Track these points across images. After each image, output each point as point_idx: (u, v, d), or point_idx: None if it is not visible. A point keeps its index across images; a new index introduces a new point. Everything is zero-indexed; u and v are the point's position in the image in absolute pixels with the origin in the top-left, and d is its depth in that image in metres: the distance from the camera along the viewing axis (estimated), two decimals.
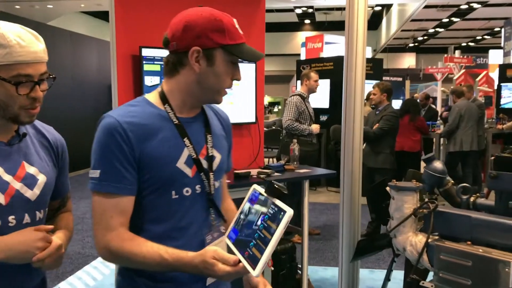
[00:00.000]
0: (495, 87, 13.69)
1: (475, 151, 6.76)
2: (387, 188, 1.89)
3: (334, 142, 7.11)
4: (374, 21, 21.66)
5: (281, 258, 3.38)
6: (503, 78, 9.92)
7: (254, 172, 3.32)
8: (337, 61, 7.78)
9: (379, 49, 21.66)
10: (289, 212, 1.11)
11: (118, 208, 1.27)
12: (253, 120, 3.56)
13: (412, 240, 1.78)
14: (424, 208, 1.75)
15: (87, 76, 10.90)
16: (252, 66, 3.45)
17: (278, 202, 1.16)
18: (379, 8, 19.26)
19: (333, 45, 13.77)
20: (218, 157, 1.45)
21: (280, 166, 3.50)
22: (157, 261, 1.23)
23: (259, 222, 1.17)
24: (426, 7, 14.67)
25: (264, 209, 1.19)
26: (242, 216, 1.27)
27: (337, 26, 19.88)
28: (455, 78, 14.62)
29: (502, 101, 9.80)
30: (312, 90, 5.26)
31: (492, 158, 1.71)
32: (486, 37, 24.55)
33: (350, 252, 2.38)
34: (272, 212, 1.15)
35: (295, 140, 3.90)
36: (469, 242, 1.60)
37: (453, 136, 6.70)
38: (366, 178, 5.58)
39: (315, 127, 5.06)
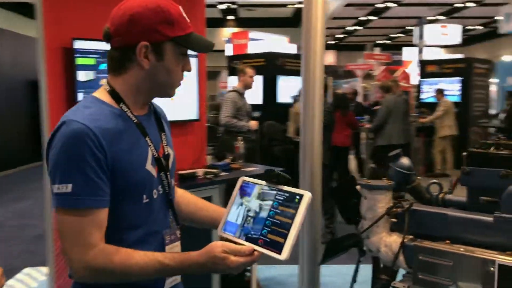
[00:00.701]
0: (411, 82, 14.41)
1: (403, 144, 7.00)
2: (358, 187, 1.82)
3: (268, 138, 7.08)
4: (296, 18, 22.04)
5: None
6: (423, 74, 10.42)
7: (199, 172, 3.15)
8: (269, 57, 7.76)
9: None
10: (308, 194, 1.16)
11: (96, 223, 1.16)
12: (196, 117, 3.39)
13: (387, 240, 1.72)
14: (398, 207, 1.69)
15: None
16: (193, 61, 3.27)
17: (287, 188, 1.20)
18: (301, 5, 19.59)
19: (258, 42, 13.82)
20: (171, 155, 1.42)
21: (227, 165, 3.36)
22: (157, 269, 1.17)
23: (268, 210, 1.19)
24: (347, 5, 15.13)
25: (269, 197, 1.21)
26: (239, 209, 1.26)
27: (261, 23, 19.98)
28: (375, 74, 15.22)
29: (423, 95, 10.29)
30: (248, 85, 5.17)
31: (465, 153, 1.68)
32: (400, 35, 25.82)
33: (311, 251, 2.32)
34: (282, 198, 1.19)
35: (240, 138, 3.78)
36: (448, 241, 1.56)
37: (382, 130, 6.89)
38: None
39: (254, 124, 4.98)
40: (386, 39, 27.41)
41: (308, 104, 2.26)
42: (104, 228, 1.18)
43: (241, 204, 1.27)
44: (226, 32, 19.29)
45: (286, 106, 7.47)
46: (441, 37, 18.69)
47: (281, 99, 7.77)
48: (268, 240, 1.15)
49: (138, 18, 1.21)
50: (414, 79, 15.25)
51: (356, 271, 2.03)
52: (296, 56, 8.82)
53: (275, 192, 1.21)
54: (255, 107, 7.70)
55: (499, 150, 1.66)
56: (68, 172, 1.13)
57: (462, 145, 9.46)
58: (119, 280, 1.19)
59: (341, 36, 25.50)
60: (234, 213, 1.27)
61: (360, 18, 20.76)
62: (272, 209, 1.19)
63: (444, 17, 20.18)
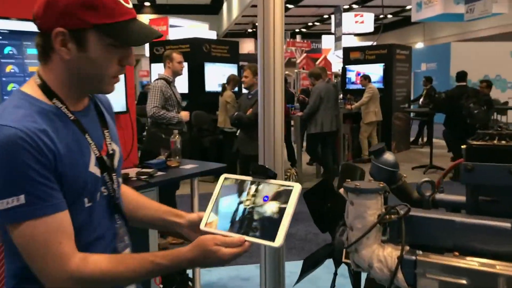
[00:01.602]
0: (333, 70, 14.59)
1: (334, 131, 6.92)
2: (341, 191, 1.52)
3: (197, 128, 6.70)
4: (215, 5, 21.62)
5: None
6: (347, 60, 10.46)
7: (131, 172, 2.72)
8: (194, 43, 7.35)
9: (222, 34, 21.69)
10: (298, 186, 1.18)
11: (63, 230, 1.08)
12: (124, 109, 2.95)
13: (380, 254, 1.43)
14: (392, 213, 1.41)
15: None
16: None
17: (276, 181, 1.23)
18: None
19: (178, 29, 13.31)
20: (117, 151, 1.31)
21: (162, 163, 2.95)
22: (150, 270, 1.13)
23: (259, 202, 1.20)
24: None
25: (260, 190, 1.22)
26: (225, 203, 1.25)
27: (179, 10, 19.37)
28: (298, 62, 15.22)
29: (347, 82, 10.33)
30: (177, 72, 4.73)
31: (464, 146, 1.43)
32: (316, 23, 26.22)
33: (275, 251, 2.12)
34: (274, 190, 1.20)
35: (176, 131, 3.35)
36: (456, 253, 1.31)
37: (314, 117, 6.74)
38: (243, 166, 5.30)
39: (185, 114, 4.57)
40: (303, 28, 27.75)
41: (268, 100, 1.95)
42: (72, 234, 1.10)
43: (228, 198, 1.25)
44: (144, 18, 18.43)
45: (215, 94, 7.11)
46: (356, 25, 19.19)
47: (209, 88, 7.40)
48: (261, 230, 1.16)
49: (55, 0, 1.08)
50: (334, 66, 15.50)
51: (333, 284, 1.77)
52: (222, 42, 8.48)
53: (264, 185, 1.22)
54: (181, 96, 7.29)
55: (504, 141, 1.43)
56: (14, 183, 1.02)
57: (386, 130, 9.66)
58: (109, 286, 1.15)
59: None
60: (218, 208, 1.25)
61: None
62: (263, 201, 1.20)
63: (358, 6, 20.73)
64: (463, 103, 6.54)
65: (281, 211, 1.16)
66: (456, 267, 1.25)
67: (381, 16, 18.47)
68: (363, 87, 8.84)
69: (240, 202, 1.23)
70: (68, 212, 1.10)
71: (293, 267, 2.38)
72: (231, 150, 6.20)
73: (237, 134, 5.49)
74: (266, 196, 1.20)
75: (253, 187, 1.24)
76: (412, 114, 10.86)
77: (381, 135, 9.32)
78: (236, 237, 1.15)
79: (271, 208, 1.18)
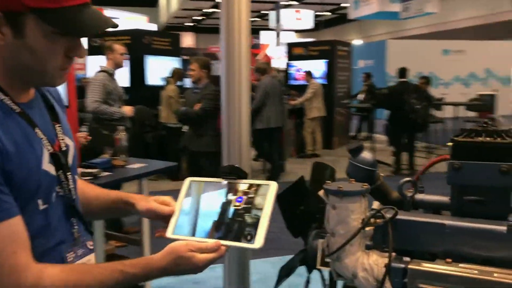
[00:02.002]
0: (272, 65, 14.58)
1: (280, 127, 6.87)
2: (321, 193, 1.39)
3: (139, 124, 6.42)
4: None
5: None
6: (290, 56, 10.45)
7: None
8: (135, 35, 7.06)
9: (161, 27, 21.18)
10: (274, 184, 1.16)
11: (16, 238, 0.97)
12: (65, 103, 2.68)
13: (365, 262, 1.31)
14: (378, 217, 1.30)
15: None
16: None
17: (250, 181, 1.19)
18: None
19: (114, 20, 12.83)
20: (71, 145, 1.20)
21: (107, 162, 2.71)
22: (120, 280, 1.05)
23: (234, 204, 1.15)
24: None
25: (230, 192, 1.17)
26: (196, 209, 1.19)
27: (115, 1, 18.69)
28: None
29: (291, 78, 10.33)
30: (118, 64, 4.48)
31: (451, 144, 1.34)
32: (256, 19, 26.24)
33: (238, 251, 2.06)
34: (249, 190, 1.16)
35: (121, 127, 3.10)
36: (449, 260, 1.21)
37: (261, 113, 6.65)
38: (190, 162, 5.10)
39: (128, 109, 4.32)
40: None
41: (232, 96, 1.82)
42: (28, 242, 0.99)
43: (198, 202, 1.20)
44: None
45: (157, 88, 6.85)
46: (295, 21, 19.36)
47: (150, 81, 7.12)
48: (237, 232, 1.12)
49: None
50: (275, 62, 15.54)
51: None
52: (164, 35, 8.22)
53: (238, 186, 1.18)
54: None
55: (490, 138, 1.35)
56: None
57: (329, 126, 9.75)
58: None
59: (199, 18, 25.12)
60: (188, 214, 1.19)
61: (217, 0, 20.52)
62: (237, 203, 1.16)
63: (297, 2, 20.94)
64: (406, 98, 6.68)
65: (259, 211, 1.11)
66: (451, 275, 1.15)
67: (318, 13, 18.73)
68: (307, 83, 8.86)
69: (213, 206, 1.17)
70: (21, 217, 0.99)
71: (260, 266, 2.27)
72: (175, 146, 5.98)
73: (182, 129, 5.29)
74: (240, 197, 1.16)
75: (225, 189, 1.18)
76: (352, 110, 11.05)
77: (324, 131, 9.40)
78: (212, 241, 1.10)
79: (247, 209, 1.13)
